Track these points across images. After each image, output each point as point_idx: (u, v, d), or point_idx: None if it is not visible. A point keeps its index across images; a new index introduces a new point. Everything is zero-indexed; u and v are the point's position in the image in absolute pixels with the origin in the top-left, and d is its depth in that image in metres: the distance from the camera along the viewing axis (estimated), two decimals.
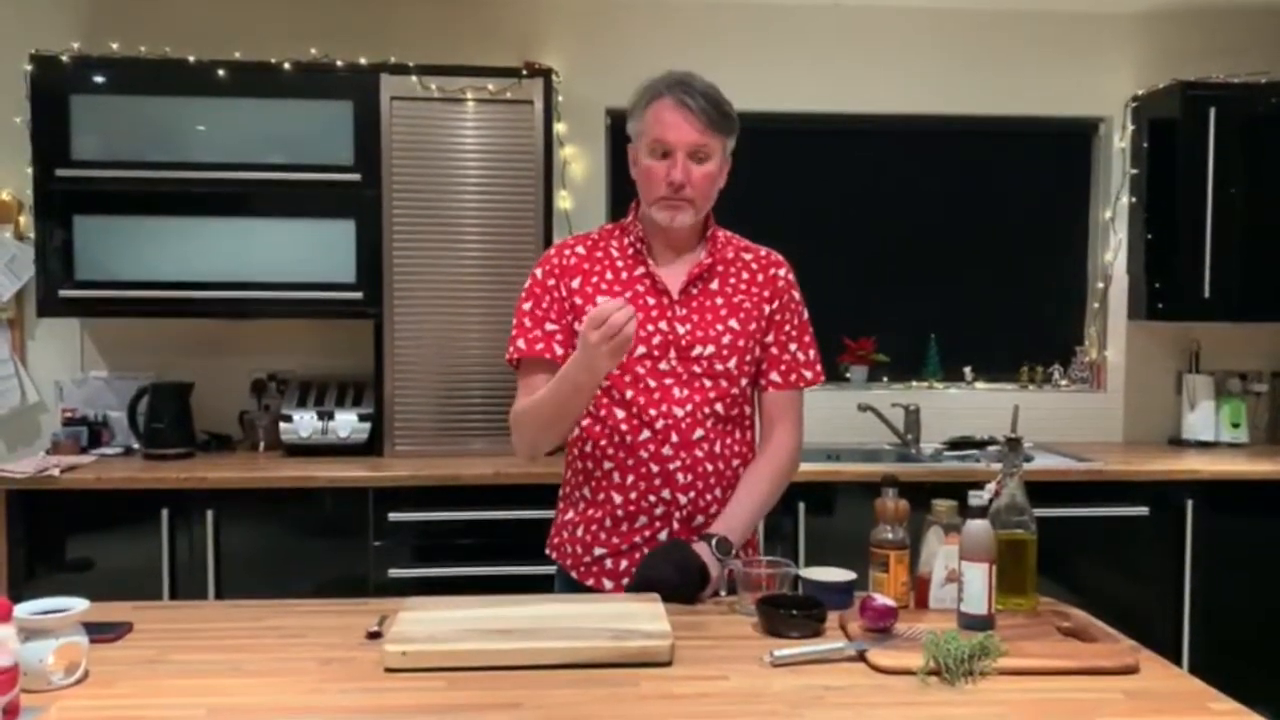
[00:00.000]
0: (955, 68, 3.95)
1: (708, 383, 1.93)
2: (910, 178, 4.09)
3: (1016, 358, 4.08)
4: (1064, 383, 4.05)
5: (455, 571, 3.17)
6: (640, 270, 1.97)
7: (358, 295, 3.42)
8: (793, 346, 2.02)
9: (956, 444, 3.76)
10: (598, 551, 1.97)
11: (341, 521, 3.21)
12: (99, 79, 3.36)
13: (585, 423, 1.97)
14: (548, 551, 2.08)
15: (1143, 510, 3.39)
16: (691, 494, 1.93)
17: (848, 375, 4.00)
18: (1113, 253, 4.03)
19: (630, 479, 1.93)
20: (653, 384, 1.92)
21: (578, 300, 1.95)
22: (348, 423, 3.46)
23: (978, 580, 1.64)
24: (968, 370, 4.04)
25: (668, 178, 1.88)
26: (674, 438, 1.91)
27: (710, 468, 1.95)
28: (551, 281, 1.97)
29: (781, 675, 1.51)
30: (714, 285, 1.98)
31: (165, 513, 3.15)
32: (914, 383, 4.03)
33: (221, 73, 3.36)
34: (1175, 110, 3.73)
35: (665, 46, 3.82)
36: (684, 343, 1.92)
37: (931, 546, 1.79)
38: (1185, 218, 3.71)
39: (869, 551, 1.82)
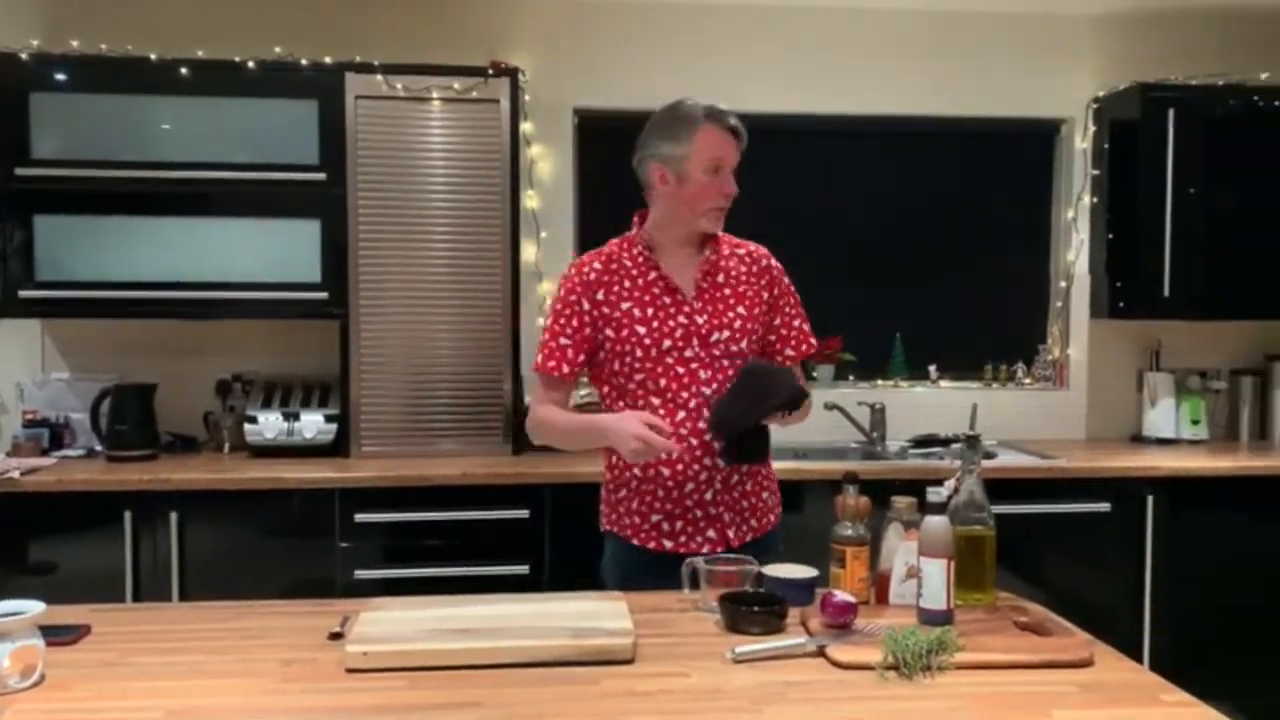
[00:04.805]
0: (917, 70, 3.98)
1: (726, 362, 2.16)
2: (874, 178, 4.12)
3: (980, 356, 4.11)
4: (1027, 381, 4.10)
5: (423, 572, 3.15)
6: (653, 274, 2.19)
7: (323, 295, 3.40)
8: (796, 321, 2.31)
9: (921, 442, 3.79)
10: (655, 518, 2.18)
11: (307, 523, 3.18)
12: (59, 77, 3.32)
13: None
14: (606, 527, 2.26)
15: (1104, 506, 3.43)
16: None
17: (814, 374, 4.02)
18: (1075, 252, 4.08)
19: (675, 454, 2.11)
20: (681, 370, 2.14)
21: (605, 309, 2.16)
22: (313, 423, 3.44)
23: (937, 576, 1.66)
24: (933, 369, 4.07)
25: (723, 190, 2.16)
26: (707, 412, 2.12)
27: None
28: (574, 298, 2.18)
29: (742, 671, 1.52)
30: (719, 279, 2.21)
31: (128, 515, 3.12)
32: (879, 381, 4.06)
33: (184, 71, 3.33)
34: (1135, 112, 3.78)
35: (632, 47, 3.83)
36: (703, 331, 2.16)
37: (891, 543, 1.82)
38: (1145, 217, 3.76)
39: (829, 548, 1.84)
